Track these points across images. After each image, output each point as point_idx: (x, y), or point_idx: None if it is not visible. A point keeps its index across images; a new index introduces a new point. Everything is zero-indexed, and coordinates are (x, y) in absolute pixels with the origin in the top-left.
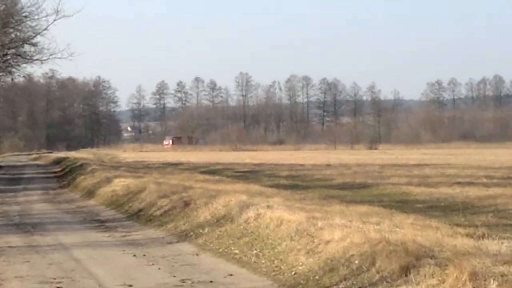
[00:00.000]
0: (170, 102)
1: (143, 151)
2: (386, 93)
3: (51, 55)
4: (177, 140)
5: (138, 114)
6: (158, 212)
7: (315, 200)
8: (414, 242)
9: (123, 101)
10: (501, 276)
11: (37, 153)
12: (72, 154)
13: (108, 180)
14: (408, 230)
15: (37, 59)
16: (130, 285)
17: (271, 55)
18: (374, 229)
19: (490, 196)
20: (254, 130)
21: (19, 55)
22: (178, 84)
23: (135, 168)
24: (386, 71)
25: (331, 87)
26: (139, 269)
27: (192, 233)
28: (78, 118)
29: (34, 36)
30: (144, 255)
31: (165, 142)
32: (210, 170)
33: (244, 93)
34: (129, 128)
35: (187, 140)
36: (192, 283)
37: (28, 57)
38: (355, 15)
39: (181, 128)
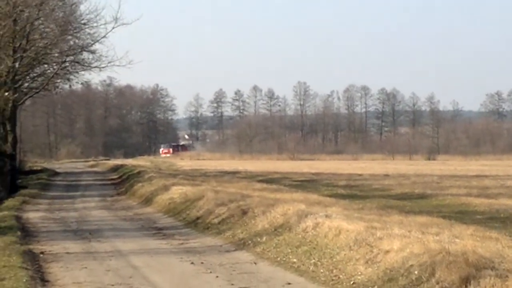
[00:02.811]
0: (228, 111)
1: (200, 159)
2: (445, 104)
3: (109, 62)
4: (175, 148)
5: (196, 122)
6: (216, 220)
7: (374, 210)
8: (474, 253)
9: (181, 109)
10: None
11: (95, 160)
12: (130, 161)
13: (166, 188)
14: (468, 241)
15: (95, 67)
16: None
17: (329, 64)
18: (434, 239)
19: None
20: (311, 140)
21: (77, 62)
22: (236, 93)
23: (192, 176)
24: (445, 81)
25: (389, 97)
26: (197, 277)
27: (250, 242)
28: (136, 126)
29: (93, 44)
30: (202, 262)
31: (165, 151)
32: (268, 179)
33: (302, 103)
34: (186, 136)
35: (180, 148)
36: None
37: (86, 65)
38: (414, 26)
39: (238, 137)
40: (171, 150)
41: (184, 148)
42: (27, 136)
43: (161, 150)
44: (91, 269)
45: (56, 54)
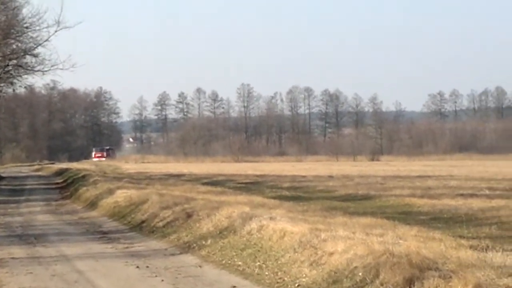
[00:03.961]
0: (172, 113)
1: (145, 162)
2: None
3: (52, 66)
4: (107, 151)
5: (140, 125)
6: (160, 224)
7: (318, 211)
8: (418, 254)
9: (125, 112)
10: None
11: (39, 164)
12: (74, 165)
13: (111, 191)
14: (411, 242)
15: (38, 70)
16: None
17: (272, 66)
18: (378, 241)
19: (493, 208)
20: (255, 142)
21: (20, 66)
22: (179, 95)
23: (137, 180)
24: (387, 82)
25: (332, 98)
26: (142, 280)
27: (195, 245)
28: (80, 129)
29: (36, 47)
30: (147, 266)
31: (98, 154)
32: (213, 182)
33: (245, 104)
34: (130, 139)
35: (111, 152)
36: None
37: (29, 68)
38: (355, 26)
39: (182, 139)
40: (104, 153)
41: (113, 151)
42: None
43: (93, 154)
44: (37, 274)
45: None
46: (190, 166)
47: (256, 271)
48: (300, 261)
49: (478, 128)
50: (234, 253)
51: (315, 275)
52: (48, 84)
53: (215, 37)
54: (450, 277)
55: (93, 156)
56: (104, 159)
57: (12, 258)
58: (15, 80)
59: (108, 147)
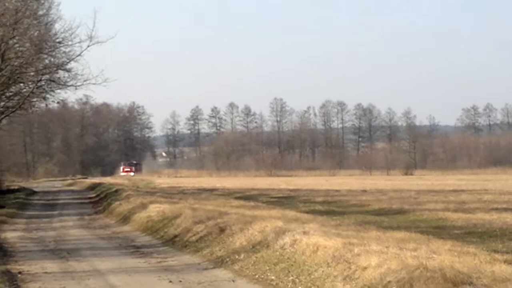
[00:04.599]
0: (205, 128)
1: (178, 177)
2: (421, 119)
3: (85, 81)
4: (134, 166)
5: (173, 139)
6: (193, 238)
7: (351, 226)
8: (452, 269)
9: (158, 127)
10: None
11: (72, 179)
12: (107, 179)
13: (144, 206)
14: (445, 256)
15: (71, 85)
16: None
17: (305, 80)
18: (411, 255)
19: None
20: (288, 156)
21: (53, 81)
22: (212, 110)
23: (170, 194)
24: (421, 96)
25: (366, 112)
26: None
27: (228, 259)
28: (113, 144)
29: (68, 62)
30: (180, 281)
31: (126, 169)
32: (245, 196)
33: (278, 119)
34: (163, 154)
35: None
36: None
37: (62, 83)
38: (389, 40)
39: (215, 154)
40: (133, 168)
41: (140, 166)
42: (4, 155)
43: (121, 168)
44: None
45: (32, 73)
46: (223, 180)
47: (289, 286)
48: (333, 275)
49: None
50: (267, 268)
51: None
52: (80, 99)
53: (248, 51)
54: None
55: (121, 170)
56: (133, 174)
57: (45, 272)
58: (48, 95)
59: (135, 162)
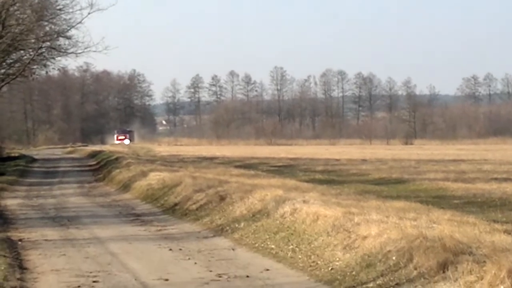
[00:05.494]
0: (205, 96)
1: (178, 145)
2: (421, 88)
3: (85, 48)
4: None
5: (173, 107)
6: (193, 206)
7: (351, 195)
8: (452, 238)
9: (158, 95)
10: None
11: (72, 146)
12: (107, 147)
13: (144, 174)
14: (445, 226)
15: (71, 52)
16: (167, 279)
17: (306, 49)
18: (411, 225)
19: None
20: (289, 125)
21: (53, 48)
22: (213, 78)
23: (170, 162)
24: (421, 66)
25: (366, 81)
26: (175, 263)
27: (228, 228)
28: (113, 112)
29: (69, 29)
30: (180, 249)
31: (120, 137)
32: (245, 165)
33: (279, 88)
34: (163, 122)
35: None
36: (229, 277)
37: (62, 50)
38: (388, 9)
39: (215, 122)
40: (127, 135)
41: (133, 133)
42: (4, 123)
43: (115, 136)
44: (70, 256)
45: (32, 40)
46: (223, 149)
47: (289, 255)
48: (333, 244)
49: None
50: (267, 236)
51: (349, 258)
52: (81, 67)
53: (248, 19)
54: (484, 261)
55: (115, 138)
56: (128, 141)
57: (46, 240)
58: (48, 62)
59: (129, 129)
